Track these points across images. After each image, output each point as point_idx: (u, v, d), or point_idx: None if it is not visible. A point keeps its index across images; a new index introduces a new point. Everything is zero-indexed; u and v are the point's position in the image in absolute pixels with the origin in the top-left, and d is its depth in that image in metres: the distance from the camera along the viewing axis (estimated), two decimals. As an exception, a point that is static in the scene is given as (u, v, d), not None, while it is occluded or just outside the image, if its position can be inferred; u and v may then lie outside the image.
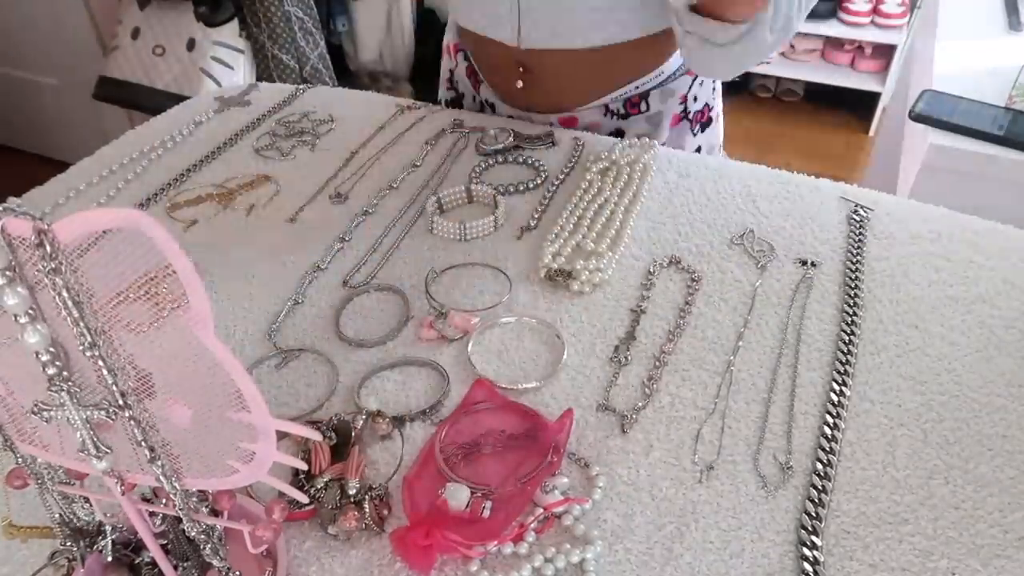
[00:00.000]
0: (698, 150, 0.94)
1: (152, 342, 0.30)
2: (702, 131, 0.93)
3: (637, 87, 0.85)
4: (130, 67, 1.96)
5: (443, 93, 1.01)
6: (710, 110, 0.93)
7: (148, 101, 1.92)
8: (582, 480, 0.51)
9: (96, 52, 2.18)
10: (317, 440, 0.37)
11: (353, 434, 0.53)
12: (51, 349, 0.30)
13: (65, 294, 0.28)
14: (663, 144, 0.89)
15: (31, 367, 0.32)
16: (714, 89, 0.93)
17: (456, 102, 0.99)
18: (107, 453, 0.35)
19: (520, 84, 0.86)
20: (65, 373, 0.31)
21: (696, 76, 0.88)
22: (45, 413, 0.33)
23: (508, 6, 0.79)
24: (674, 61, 0.86)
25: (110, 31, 2.05)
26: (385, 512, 0.48)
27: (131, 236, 0.27)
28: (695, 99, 0.90)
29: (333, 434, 0.53)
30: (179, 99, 1.03)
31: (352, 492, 0.48)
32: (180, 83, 1.92)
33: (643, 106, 0.87)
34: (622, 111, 0.87)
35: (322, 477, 0.49)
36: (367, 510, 0.47)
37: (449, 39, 0.96)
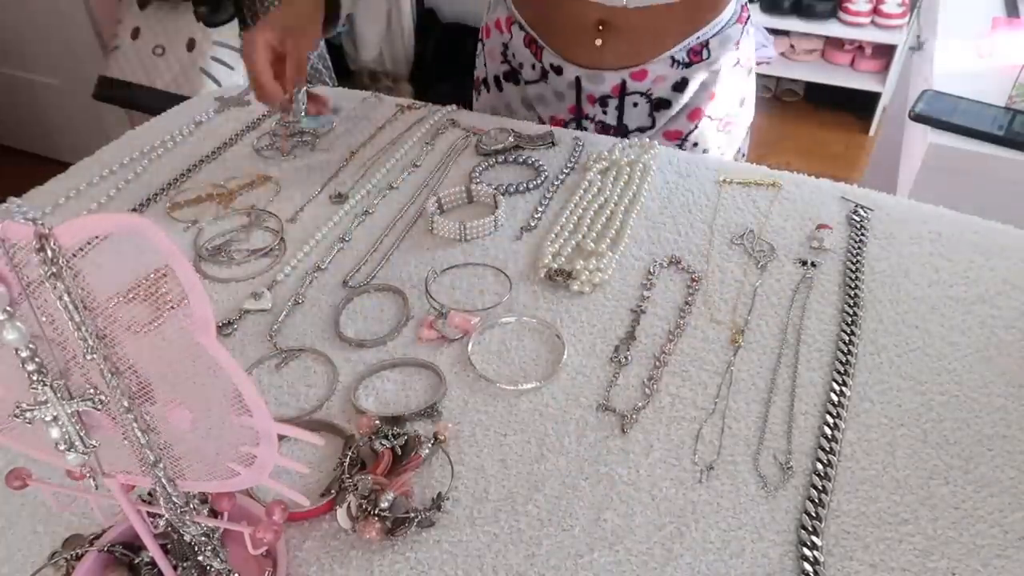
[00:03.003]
0: (744, 100, 0.97)
1: (154, 346, 0.30)
2: (747, 75, 0.97)
3: (699, 37, 0.88)
4: (130, 67, 1.96)
5: (496, 68, 1.00)
6: (751, 60, 0.97)
7: (148, 101, 1.92)
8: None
9: (96, 52, 2.18)
10: (318, 441, 0.36)
11: (415, 453, 0.52)
12: (31, 345, 0.30)
13: (67, 298, 0.28)
14: (719, 90, 0.93)
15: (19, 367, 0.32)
16: (752, 39, 0.97)
17: (512, 75, 0.99)
18: (93, 448, 0.35)
19: (599, 42, 0.88)
20: (44, 369, 0.31)
21: (744, 24, 0.93)
22: (27, 414, 0.33)
23: None
24: (728, 10, 0.90)
25: (110, 31, 2.05)
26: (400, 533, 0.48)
27: (133, 241, 0.27)
28: (743, 47, 0.94)
29: (399, 447, 0.52)
30: (179, 99, 1.03)
31: (384, 505, 0.47)
32: (180, 83, 1.92)
33: (704, 54, 0.90)
34: (686, 60, 0.90)
35: (368, 476, 0.49)
36: (388, 527, 0.47)
37: (498, 15, 0.97)
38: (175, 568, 0.43)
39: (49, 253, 0.27)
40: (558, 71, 0.93)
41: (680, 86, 0.91)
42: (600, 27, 0.86)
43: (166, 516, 0.38)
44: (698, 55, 0.90)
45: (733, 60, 0.92)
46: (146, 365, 0.32)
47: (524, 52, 0.95)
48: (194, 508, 0.38)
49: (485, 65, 1.02)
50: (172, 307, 0.28)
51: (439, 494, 0.49)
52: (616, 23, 0.86)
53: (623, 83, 0.91)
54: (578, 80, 0.92)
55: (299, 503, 0.38)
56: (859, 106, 2.83)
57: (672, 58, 0.89)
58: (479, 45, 1.02)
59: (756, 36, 1.95)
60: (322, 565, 0.47)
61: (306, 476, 0.53)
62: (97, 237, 0.27)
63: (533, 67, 0.95)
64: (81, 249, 0.27)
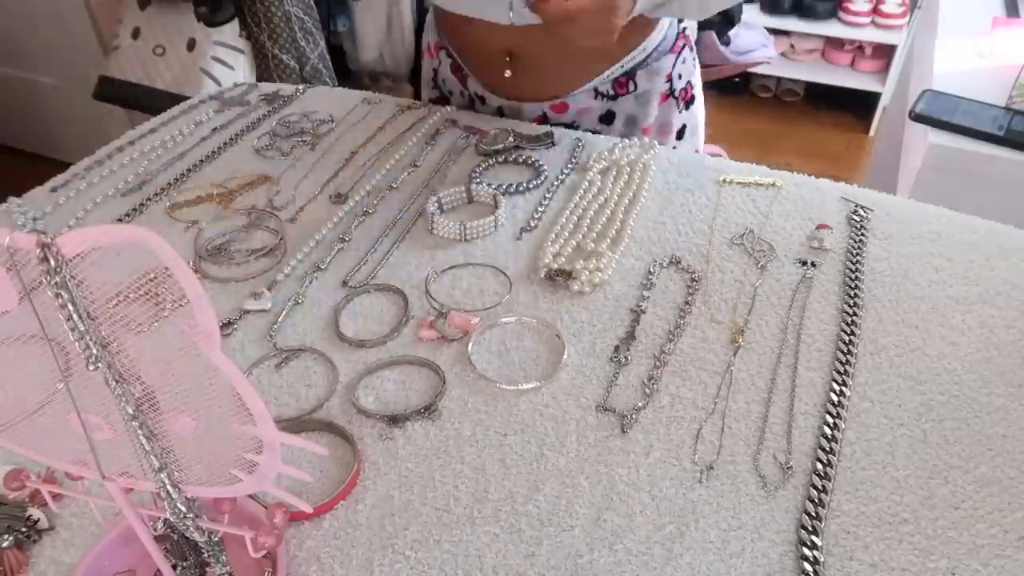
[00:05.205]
0: (683, 129, 0.95)
1: (158, 354, 0.30)
2: (686, 108, 0.94)
3: (623, 66, 0.86)
4: (130, 67, 1.96)
5: (427, 94, 1.01)
6: (692, 88, 0.94)
7: (148, 101, 1.91)
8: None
9: (96, 52, 2.18)
10: (321, 451, 0.36)
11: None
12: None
13: (70, 308, 0.28)
14: (651, 123, 0.90)
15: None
16: (695, 66, 0.94)
17: (442, 101, 0.98)
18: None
19: (508, 73, 0.86)
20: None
21: (678, 54, 0.89)
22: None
23: None
24: (655, 37, 0.86)
25: (110, 31, 2.05)
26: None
27: (137, 253, 0.26)
28: (679, 76, 0.91)
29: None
30: (179, 99, 1.03)
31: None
32: (180, 83, 1.91)
33: (631, 86, 0.88)
34: (611, 92, 0.88)
35: None
36: None
37: (430, 38, 0.96)
38: (174, 568, 0.43)
39: (52, 263, 0.27)
40: (482, 100, 0.93)
41: (607, 118, 0.89)
42: (508, 58, 0.84)
43: (164, 518, 0.38)
44: (624, 87, 0.87)
45: (664, 91, 0.90)
46: (150, 373, 0.32)
47: (451, 79, 0.94)
48: (196, 513, 0.38)
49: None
50: (176, 318, 0.28)
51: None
52: (523, 54, 0.83)
53: (544, 115, 0.89)
54: (500, 110, 0.91)
55: (301, 508, 0.38)
56: (859, 106, 2.84)
57: (595, 90, 0.87)
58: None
59: (756, 36, 1.93)
60: (322, 565, 0.47)
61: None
62: (102, 248, 0.27)
63: (461, 94, 0.95)
64: (82, 256, 0.27)
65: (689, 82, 0.93)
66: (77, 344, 0.29)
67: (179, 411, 0.33)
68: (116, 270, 0.28)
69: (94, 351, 0.30)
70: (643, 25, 0.84)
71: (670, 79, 0.89)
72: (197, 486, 0.36)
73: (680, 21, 0.91)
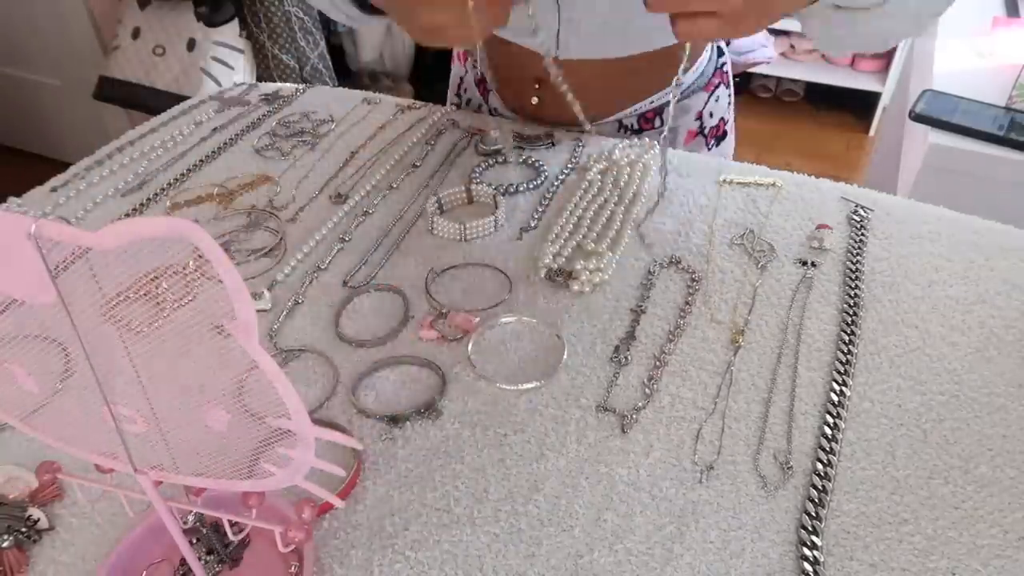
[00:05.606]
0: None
1: (194, 347, 0.30)
2: (716, 145, 0.92)
3: (652, 101, 0.85)
4: (130, 67, 1.96)
5: (452, 98, 1.00)
6: (725, 124, 0.92)
7: (148, 101, 1.92)
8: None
9: (96, 52, 2.19)
10: (356, 444, 0.36)
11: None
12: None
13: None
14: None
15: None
16: (729, 104, 0.92)
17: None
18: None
19: (535, 100, 0.85)
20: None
21: (711, 92, 0.87)
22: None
23: (550, 11, 0.73)
24: (690, 74, 0.85)
25: (110, 31, 2.06)
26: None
27: (177, 245, 0.26)
28: (711, 115, 0.89)
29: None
30: (179, 99, 1.03)
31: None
32: (180, 83, 1.92)
33: (657, 122, 0.86)
34: (636, 126, 0.87)
35: None
36: None
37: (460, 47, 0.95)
38: (199, 559, 0.43)
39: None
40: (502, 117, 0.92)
41: None
42: (537, 85, 0.83)
43: (194, 511, 0.38)
44: (650, 122, 0.86)
45: (694, 128, 0.88)
46: (184, 366, 0.31)
47: (474, 91, 0.94)
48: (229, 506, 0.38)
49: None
50: (213, 310, 0.28)
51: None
52: (553, 83, 0.83)
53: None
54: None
55: (331, 501, 0.37)
56: (859, 106, 2.84)
57: (620, 122, 0.86)
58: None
59: (756, 36, 1.92)
60: (322, 565, 0.47)
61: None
62: (142, 240, 0.27)
63: (480, 108, 0.95)
64: (123, 252, 0.27)
65: (723, 118, 0.91)
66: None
67: (214, 404, 0.33)
68: (150, 261, 0.28)
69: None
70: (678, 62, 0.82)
71: (700, 117, 0.87)
72: (229, 480, 0.36)
73: (720, 57, 0.88)
